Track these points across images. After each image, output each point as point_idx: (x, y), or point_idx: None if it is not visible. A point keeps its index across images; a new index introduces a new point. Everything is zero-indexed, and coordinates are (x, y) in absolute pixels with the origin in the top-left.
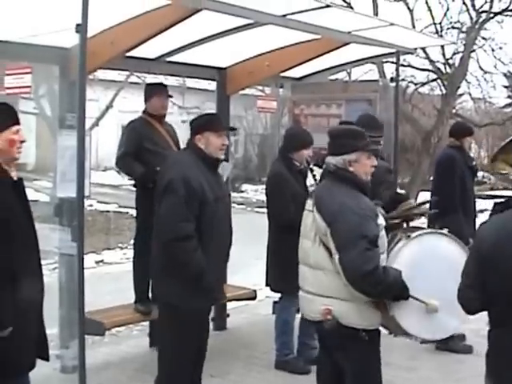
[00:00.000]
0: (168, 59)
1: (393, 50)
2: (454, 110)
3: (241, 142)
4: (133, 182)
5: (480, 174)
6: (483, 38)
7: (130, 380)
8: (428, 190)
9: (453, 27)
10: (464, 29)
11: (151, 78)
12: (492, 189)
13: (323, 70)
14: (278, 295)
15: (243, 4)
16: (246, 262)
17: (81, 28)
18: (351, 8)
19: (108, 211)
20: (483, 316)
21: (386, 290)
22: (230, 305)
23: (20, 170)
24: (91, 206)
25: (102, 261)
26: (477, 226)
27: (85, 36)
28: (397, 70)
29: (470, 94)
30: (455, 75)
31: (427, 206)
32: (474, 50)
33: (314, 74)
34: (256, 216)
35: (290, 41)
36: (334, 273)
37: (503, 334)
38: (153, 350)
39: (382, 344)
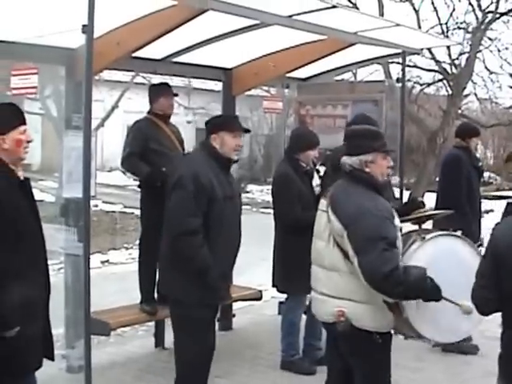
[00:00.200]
0: (174, 60)
1: (399, 51)
2: (459, 111)
3: (246, 143)
4: (138, 182)
5: (486, 174)
6: (489, 39)
7: (135, 380)
8: (434, 191)
9: (459, 27)
10: (470, 29)
11: (157, 79)
12: (498, 189)
13: (329, 71)
14: (284, 296)
15: (249, 5)
16: (252, 263)
17: (87, 29)
18: (357, 8)
19: (113, 211)
20: (489, 317)
21: (409, 291)
22: (235, 305)
23: (25, 170)
24: (96, 206)
25: (107, 261)
26: (482, 226)
27: (91, 37)
28: (403, 70)
29: (475, 95)
30: (461, 76)
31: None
32: (479, 51)
33: (319, 74)
34: (261, 216)
35: (295, 41)
36: (348, 274)
37: None
38: (158, 350)
39: None
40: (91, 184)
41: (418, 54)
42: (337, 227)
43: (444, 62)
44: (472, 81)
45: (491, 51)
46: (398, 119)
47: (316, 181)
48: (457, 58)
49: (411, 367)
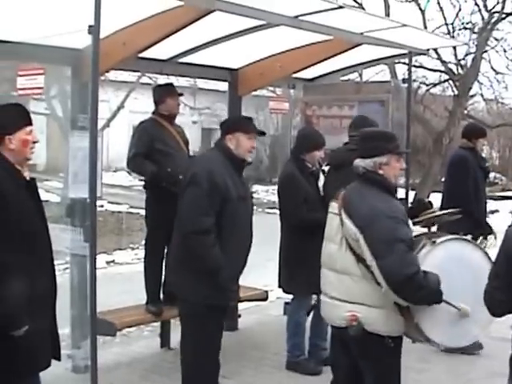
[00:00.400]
0: (180, 60)
1: (405, 51)
2: (465, 111)
3: None
4: (143, 182)
5: (491, 174)
6: (495, 39)
7: (141, 380)
8: (439, 191)
9: (465, 28)
10: (476, 29)
11: (163, 79)
12: (503, 190)
13: (335, 71)
14: (290, 296)
15: (255, 5)
16: (257, 263)
17: (93, 29)
18: (363, 9)
19: (119, 212)
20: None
21: (427, 296)
22: (241, 305)
23: (31, 170)
24: (102, 206)
25: (113, 261)
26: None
27: (97, 37)
28: (409, 71)
29: (481, 95)
30: (467, 76)
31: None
32: (486, 51)
33: (325, 74)
34: (267, 217)
35: (301, 42)
36: (361, 278)
37: None
38: (164, 350)
39: None
40: (97, 184)
41: (425, 54)
42: (351, 230)
43: (450, 62)
44: (478, 81)
45: (497, 51)
46: (404, 120)
47: (322, 181)
48: (463, 59)
49: (416, 368)
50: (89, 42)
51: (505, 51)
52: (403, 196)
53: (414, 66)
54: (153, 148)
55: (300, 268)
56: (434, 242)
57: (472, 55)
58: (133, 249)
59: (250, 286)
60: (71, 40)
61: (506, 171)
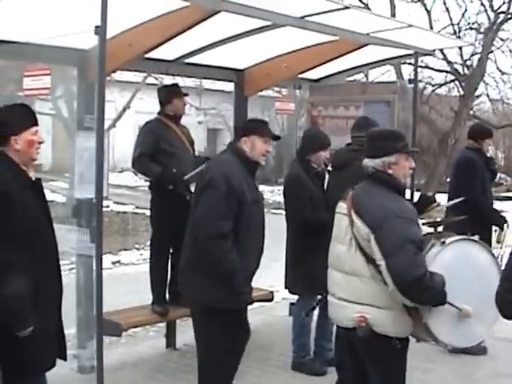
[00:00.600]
0: (186, 61)
1: (411, 52)
2: (471, 112)
3: None
4: (149, 183)
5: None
6: (501, 39)
7: (146, 380)
8: (444, 192)
9: (471, 28)
10: (482, 30)
11: (168, 80)
12: (509, 190)
13: (341, 72)
14: (295, 297)
15: (261, 6)
16: (263, 264)
17: (100, 30)
18: (368, 9)
19: (125, 212)
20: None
21: (432, 297)
22: None
23: (36, 170)
24: (108, 206)
25: (118, 261)
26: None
27: (104, 38)
28: (415, 71)
29: (487, 96)
30: (473, 76)
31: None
32: (491, 51)
33: (331, 75)
34: (272, 217)
35: (307, 42)
36: (371, 280)
37: None
38: (169, 350)
39: None
40: (103, 185)
41: (431, 54)
42: (363, 231)
43: (456, 62)
44: (484, 81)
45: (503, 52)
46: (410, 120)
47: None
48: (469, 59)
49: (422, 368)
50: (95, 42)
51: (510, 51)
52: (408, 197)
53: (420, 67)
54: (158, 148)
55: (305, 268)
56: (444, 242)
57: (478, 55)
58: (138, 249)
59: (255, 287)
60: (77, 40)
61: None
